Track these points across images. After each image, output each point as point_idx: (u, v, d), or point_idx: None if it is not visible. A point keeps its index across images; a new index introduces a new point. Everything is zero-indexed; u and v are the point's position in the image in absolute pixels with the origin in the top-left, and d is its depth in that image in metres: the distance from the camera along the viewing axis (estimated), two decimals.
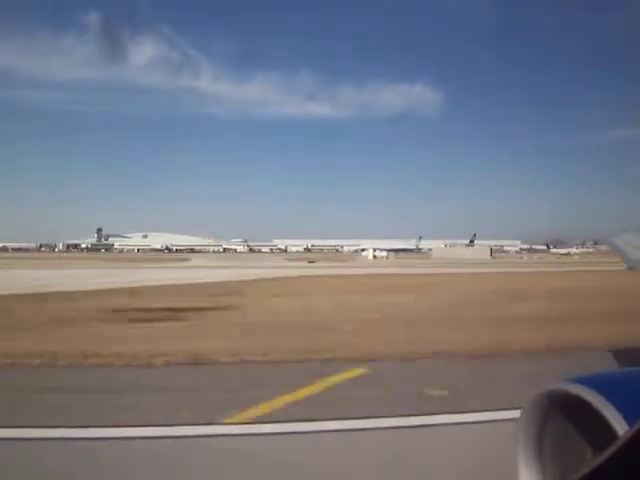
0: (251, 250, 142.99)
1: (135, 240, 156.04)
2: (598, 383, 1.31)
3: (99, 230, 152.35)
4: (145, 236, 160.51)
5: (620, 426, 1.14)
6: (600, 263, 42.70)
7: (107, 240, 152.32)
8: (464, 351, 9.43)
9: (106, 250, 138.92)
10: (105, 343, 10.00)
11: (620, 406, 1.19)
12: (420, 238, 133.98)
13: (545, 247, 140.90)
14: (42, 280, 28.54)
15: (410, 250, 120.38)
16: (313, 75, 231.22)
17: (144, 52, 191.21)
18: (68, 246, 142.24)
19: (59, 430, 3.80)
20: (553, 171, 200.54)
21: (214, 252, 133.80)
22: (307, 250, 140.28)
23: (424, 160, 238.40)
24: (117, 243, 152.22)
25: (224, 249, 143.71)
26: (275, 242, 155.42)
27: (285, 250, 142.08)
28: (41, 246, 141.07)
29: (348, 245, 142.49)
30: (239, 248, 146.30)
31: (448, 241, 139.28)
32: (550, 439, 1.40)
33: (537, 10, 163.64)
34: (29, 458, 3.23)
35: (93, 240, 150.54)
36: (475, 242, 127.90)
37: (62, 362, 8.65)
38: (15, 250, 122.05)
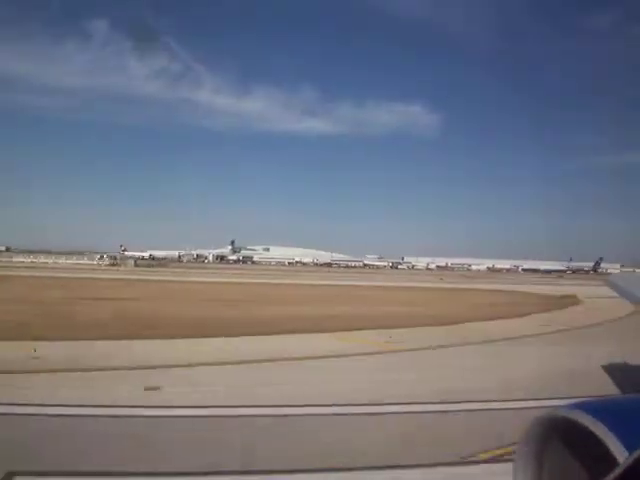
0: (392, 266, 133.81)
1: (271, 253, 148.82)
2: (597, 409, 1.36)
3: (233, 242, 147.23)
4: (267, 249, 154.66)
5: (620, 453, 1.17)
6: None
7: (239, 252, 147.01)
8: None
9: (252, 263, 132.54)
10: None
11: (619, 433, 1.22)
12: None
13: None
14: None
15: None
16: (313, 92, 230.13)
17: (146, 62, 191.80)
18: (216, 257, 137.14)
19: None
20: (548, 193, 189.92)
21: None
22: (442, 268, 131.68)
23: (419, 177, 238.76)
24: (256, 256, 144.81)
25: (364, 265, 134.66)
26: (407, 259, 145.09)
27: (427, 267, 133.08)
28: (197, 257, 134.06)
29: (476, 264, 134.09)
30: (380, 264, 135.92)
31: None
32: (549, 466, 1.46)
33: (535, 36, 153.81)
34: None
35: (225, 251, 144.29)
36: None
37: None
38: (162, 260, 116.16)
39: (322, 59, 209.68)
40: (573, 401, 1.43)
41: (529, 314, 22.94)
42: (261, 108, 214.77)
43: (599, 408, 1.36)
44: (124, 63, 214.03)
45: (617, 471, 0.98)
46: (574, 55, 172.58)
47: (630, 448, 1.14)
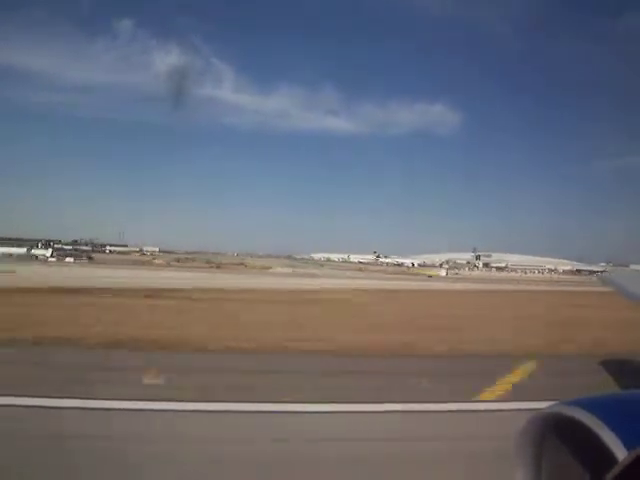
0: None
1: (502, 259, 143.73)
2: (595, 406, 1.31)
3: (475, 249, 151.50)
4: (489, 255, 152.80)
5: (618, 449, 1.15)
6: None
7: (478, 259, 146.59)
8: None
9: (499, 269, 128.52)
10: None
11: (618, 429, 1.19)
12: None
13: None
14: None
15: None
16: (335, 91, 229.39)
17: (169, 59, 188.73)
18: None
19: None
20: (564, 195, 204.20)
21: None
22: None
23: (440, 176, 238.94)
24: (503, 263, 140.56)
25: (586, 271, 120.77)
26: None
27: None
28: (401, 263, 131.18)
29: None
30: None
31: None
32: (548, 463, 1.39)
33: (558, 37, 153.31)
34: None
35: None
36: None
37: None
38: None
39: (345, 59, 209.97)
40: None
41: None
42: (284, 106, 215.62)
43: (597, 404, 1.34)
44: (147, 60, 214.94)
45: (616, 469, 0.95)
46: (595, 63, 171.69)
47: (628, 445, 1.12)
